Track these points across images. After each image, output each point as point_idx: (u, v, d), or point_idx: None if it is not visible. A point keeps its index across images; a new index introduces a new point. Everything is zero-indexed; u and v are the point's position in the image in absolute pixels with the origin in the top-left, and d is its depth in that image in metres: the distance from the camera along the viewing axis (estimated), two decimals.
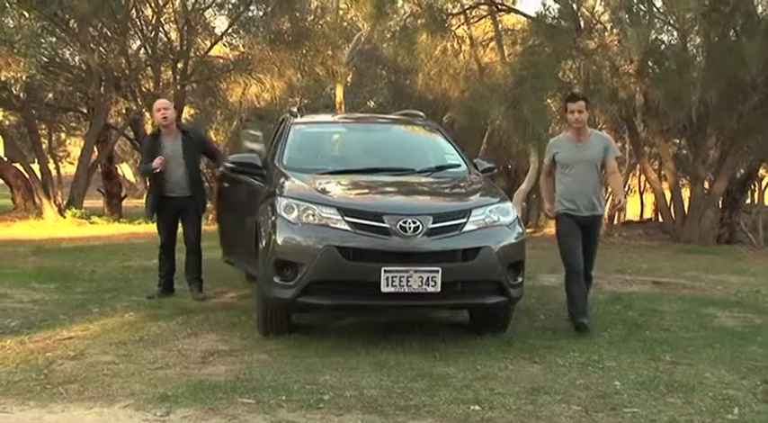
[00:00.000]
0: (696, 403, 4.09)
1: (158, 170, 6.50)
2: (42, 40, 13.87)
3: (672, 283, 8.36)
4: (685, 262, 10.85)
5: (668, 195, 15.76)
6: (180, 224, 6.92)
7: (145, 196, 7.38)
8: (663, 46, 14.35)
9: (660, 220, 17.72)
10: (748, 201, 17.26)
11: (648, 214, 23.74)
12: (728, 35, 13.64)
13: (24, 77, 11.63)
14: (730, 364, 4.89)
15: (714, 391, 4.29)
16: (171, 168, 6.58)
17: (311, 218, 4.99)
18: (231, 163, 6.23)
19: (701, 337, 5.66)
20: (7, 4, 12.03)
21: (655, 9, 13.93)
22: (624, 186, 20.98)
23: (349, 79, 20.93)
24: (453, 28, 16.64)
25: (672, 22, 14.11)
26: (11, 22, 11.73)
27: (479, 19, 17.60)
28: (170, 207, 6.70)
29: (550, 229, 19.75)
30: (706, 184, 15.15)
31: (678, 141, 17.67)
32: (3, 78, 11.86)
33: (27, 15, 12.38)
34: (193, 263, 6.93)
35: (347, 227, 4.91)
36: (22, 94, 13.22)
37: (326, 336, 5.40)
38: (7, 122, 17.65)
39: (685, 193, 15.97)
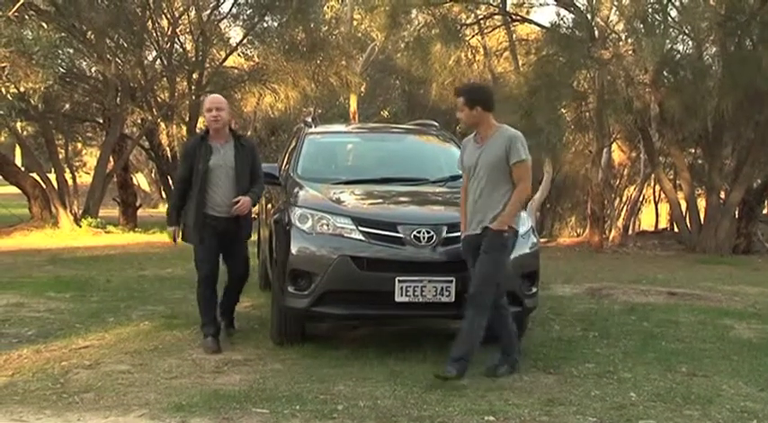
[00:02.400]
0: (713, 416, 4.05)
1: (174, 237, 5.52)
2: (60, 52, 13.99)
3: (688, 293, 8.28)
4: (701, 272, 10.77)
5: (684, 205, 15.68)
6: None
7: (167, 208, 5.82)
8: (678, 55, 14.32)
9: (675, 230, 17.62)
10: (765, 211, 17.12)
11: (663, 224, 23.63)
12: (744, 44, 13.59)
13: (42, 88, 11.71)
14: (748, 376, 4.84)
15: (732, 404, 4.24)
16: (218, 180, 5.31)
17: (325, 227, 5.00)
18: None
19: (717, 348, 5.61)
20: (26, 17, 12.16)
21: (670, 19, 13.90)
22: (639, 196, 20.95)
23: (363, 89, 20.99)
24: (467, 38, 16.70)
25: (687, 31, 14.06)
26: (29, 33, 11.84)
27: (493, 29, 17.65)
28: (211, 229, 5.31)
29: (565, 239, 19.74)
30: (722, 194, 15.06)
31: (694, 151, 17.58)
32: (21, 89, 11.97)
33: (45, 27, 12.50)
34: (230, 303, 5.75)
35: (361, 237, 4.92)
36: (39, 105, 13.35)
37: (340, 345, 5.40)
38: (25, 133, 17.81)
39: (701, 203, 15.88)
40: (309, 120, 7.32)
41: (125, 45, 16.56)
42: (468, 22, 16.70)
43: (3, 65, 11.35)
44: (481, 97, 4.81)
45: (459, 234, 4.95)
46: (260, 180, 5.54)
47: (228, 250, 5.47)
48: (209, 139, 5.39)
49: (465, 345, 4.56)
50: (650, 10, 13.40)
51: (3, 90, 11.64)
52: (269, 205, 6.76)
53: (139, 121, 17.68)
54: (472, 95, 4.82)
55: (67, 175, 16.92)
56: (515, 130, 4.81)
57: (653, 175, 18.52)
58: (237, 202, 5.26)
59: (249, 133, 18.71)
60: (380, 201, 5.47)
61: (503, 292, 4.75)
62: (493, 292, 4.61)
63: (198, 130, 19.91)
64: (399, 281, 4.75)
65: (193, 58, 18.42)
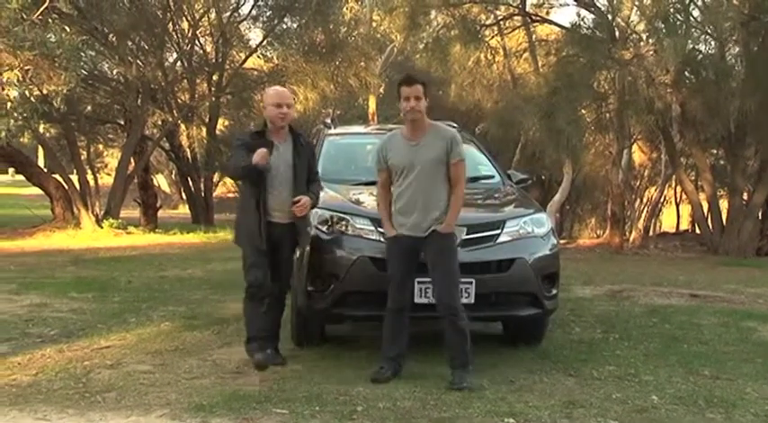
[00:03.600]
0: (737, 419, 4.00)
1: (260, 168, 4.69)
2: (82, 54, 14.14)
3: (710, 295, 8.21)
4: (724, 274, 10.66)
5: (705, 206, 15.54)
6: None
7: (234, 167, 4.97)
8: (700, 56, 14.20)
9: (697, 231, 17.48)
10: None
11: (685, 226, 23.46)
12: None
13: (65, 91, 11.84)
14: None
15: (756, 408, 4.19)
16: (277, 181, 4.84)
17: (345, 229, 5.01)
18: None
19: (741, 351, 5.55)
20: (49, 20, 12.30)
21: (692, 18, 13.79)
22: (660, 197, 20.78)
23: (382, 90, 21.01)
24: (487, 39, 16.67)
25: (709, 31, 13.94)
26: (53, 36, 11.98)
27: (513, 30, 17.61)
28: (267, 234, 4.85)
29: (585, 240, 19.63)
30: (745, 195, 14.90)
31: (716, 152, 17.43)
32: (44, 92, 12.11)
33: (68, 30, 12.64)
34: (275, 314, 5.09)
35: (381, 238, 4.91)
36: (62, 107, 13.50)
37: (359, 347, 5.40)
38: (48, 135, 18.00)
39: (723, 205, 15.73)
40: (328, 121, 7.33)
41: (146, 47, 16.72)
42: (488, 22, 16.67)
43: (27, 68, 11.49)
44: (427, 89, 4.65)
45: (478, 235, 4.94)
46: (318, 181, 5.11)
47: (276, 258, 4.92)
48: (266, 136, 4.87)
49: (463, 352, 4.54)
50: (672, 10, 13.29)
51: (27, 93, 11.78)
52: None
53: (160, 122, 17.81)
54: (426, 84, 4.63)
55: (89, 177, 17.08)
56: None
57: (674, 176, 18.37)
58: (297, 201, 4.82)
59: None
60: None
61: (409, 298, 4.67)
62: (458, 291, 4.56)
63: (218, 131, 20.08)
64: (418, 282, 4.74)
65: (213, 60, 18.56)
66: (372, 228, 4.97)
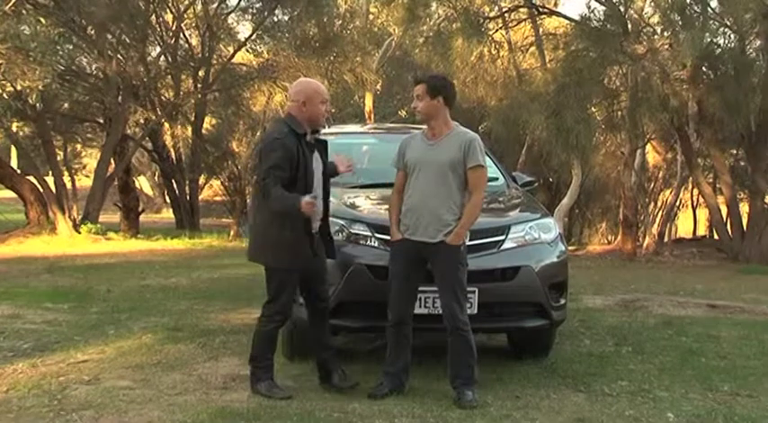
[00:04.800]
0: None
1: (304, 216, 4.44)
2: (59, 48, 14.14)
3: (729, 306, 8.21)
4: (744, 283, 10.68)
5: (724, 210, 15.55)
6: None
7: (274, 197, 4.45)
8: (719, 49, 14.21)
9: (716, 237, 17.49)
10: None
11: (702, 231, 23.47)
12: None
13: (40, 87, 11.82)
14: None
15: None
16: (316, 184, 4.65)
17: (340, 235, 5.00)
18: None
19: (763, 365, 5.56)
20: (23, 11, 12.29)
21: (710, 10, 13.82)
22: (676, 201, 20.80)
23: (379, 87, 21.06)
24: (490, 32, 16.67)
25: (729, 23, 13.97)
26: (27, 29, 11.98)
27: (518, 23, 17.65)
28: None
29: (595, 246, 19.66)
30: (766, 199, 14.92)
31: (735, 152, 17.46)
32: (18, 88, 12.09)
33: (43, 22, 12.63)
34: (327, 331, 4.86)
35: (378, 244, 4.91)
36: (37, 104, 13.48)
37: (355, 360, 5.39)
38: (21, 133, 17.99)
39: (743, 208, 15.74)
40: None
41: (127, 41, 16.71)
42: (492, 15, 16.68)
43: None
44: (444, 88, 4.66)
45: (481, 241, 4.94)
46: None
47: (311, 272, 4.66)
48: (306, 137, 4.61)
49: (467, 368, 4.52)
50: (688, 1, 13.33)
51: None
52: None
53: (142, 121, 17.78)
54: (436, 83, 4.65)
55: (66, 179, 17.09)
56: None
57: (691, 178, 18.38)
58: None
59: (258, 134, 18.79)
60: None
61: (412, 310, 4.65)
62: (465, 304, 4.54)
63: (204, 130, 20.08)
64: (419, 291, 4.74)
65: (199, 55, 18.56)
66: (370, 233, 4.97)
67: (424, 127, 4.86)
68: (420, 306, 4.76)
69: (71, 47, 15.98)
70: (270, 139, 4.61)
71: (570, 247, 15.08)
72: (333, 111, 4.36)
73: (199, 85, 18.37)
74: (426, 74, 4.87)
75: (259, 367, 4.65)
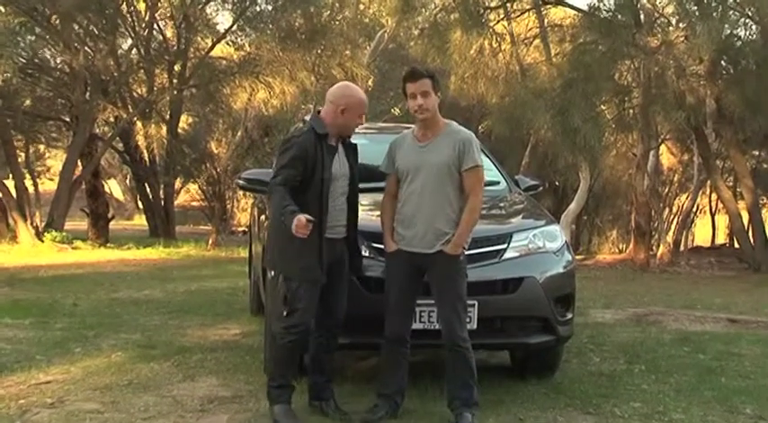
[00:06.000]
0: None
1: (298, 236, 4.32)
2: (20, 39, 14.15)
3: (752, 321, 8.24)
4: (767, 296, 10.71)
5: (745, 217, 15.60)
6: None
7: (276, 208, 4.50)
8: (739, 42, 14.28)
9: (736, 246, 17.53)
10: None
11: (722, 239, 23.54)
12: None
13: None
14: None
15: None
16: (339, 191, 4.65)
17: None
18: (243, 179, 6.22)
19: None
20: None
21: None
22: (693, 206, 20.88)
23: (371, 83, 21.05)
24: (491, 23, 16.72)
25: (750, 13, 14.04)
26: None
27: (522, 13, 17.67)
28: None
29: (605, 256, 19.70)
30: None
31: (757, 153, 17.55)
32: None
33: (3, 10, 12.63)
34: (330, 354, 4.82)
35: (369, 253, 4.90)
36: None
37: (344, 380, 5.38)
38: None
39: (766, 215, 15.80)
40: (308, 118, 7.32)
41: (95, 31, 16.72)
42: (493, 5, 16.71)
43: None
44: (438, 83, 4.63)
45: (481, 250, 4.94)
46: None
47: (332, 285, 4.62)
48: (328, 139, 4.62)
49: (466, 389, 4.49)
50: None
51: None
52: (262, 217, 6.75)
53: (112, 119, 17.80)
54: (437, 77, 4.60)
55: (28, 183, 17.04)
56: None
57: (708, 182, 18.46)
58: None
59: (239, 134, 18.80)
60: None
61: (410, 326, 4.63)
62: (465, 319, 4.52)
63: (180, 129, 20.05)
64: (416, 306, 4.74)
65: (175, 47, 18.55)
66: (361, 242, 4.96)
67: (413, 126, 4.84)
68: (416, 320, 4.75)
69: (33, 38, 15.97)
70: (287, 137, 4.70)
71: (578, 257, 15.11)
72: (321, 109, 4.30)
73: (174, 81, 18.36)
74: (421, 68, 4.79)
75: (274, 387, 4.58)
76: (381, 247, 4.81)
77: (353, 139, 4.83)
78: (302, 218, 4.24)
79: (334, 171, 4.57)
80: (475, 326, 4.79)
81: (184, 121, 21.36)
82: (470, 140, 4.56)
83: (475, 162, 4.51)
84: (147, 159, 19.17)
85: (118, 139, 18.94)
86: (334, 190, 4.59)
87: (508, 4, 16.87)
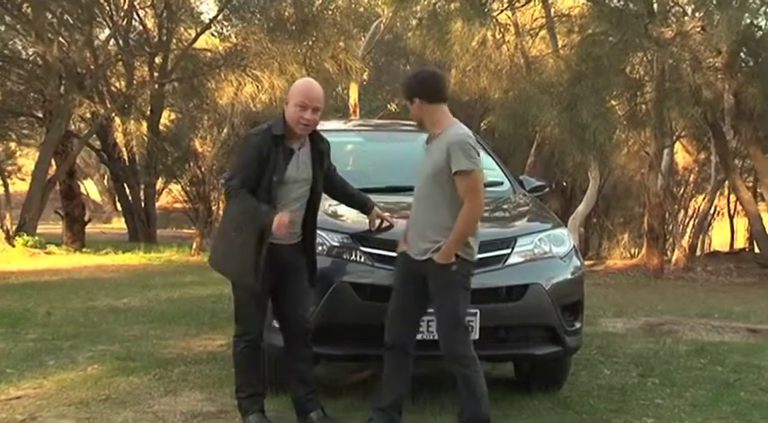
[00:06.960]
0: None
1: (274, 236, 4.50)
2: None
3: None
4: None
5: (766, 219, 15.62)
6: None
7: (242, 208, 4.58)
8: (759, 32, 14.31)
9: (756, 250, 17.56)
10: None
11: (741, 243, 23.58)
12: None
13: None
14: None
15: None
16: (293, 196, 4.68)
17: (320, 248, 5.00)
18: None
19: None
20: None
21: None
22: (710, 208, 20.90)
23: (365, 77, 21.09)
24: (494, 13, 16.74)
25: None
26: None
27: (527, 2, 17.69)
28: (269, 262, 4.56)
29: (616, 261, 19.73)
30: None
31: None
32: None
33: None
34: (307, 363, 4.84)
35: (364, 259, 4.91)
36: None
37: (338, 394, 5.39)
38: None
39: None
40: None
41: (70, 21, 16.68)
42: None
43: None
44: (416, 87, 4.64)
45: (483, 255, 4.94)
46: (346, 183, 5.13)
47: (287, 287, 4.71)
48: (287, 140, 4.66)
49: (471, 404, 4.45)
50: None
51: None
52: None
53: (89, 115, 17.76)
54: (409, 85, 4.68)
55: None
56: (467, 129, 4.63)
57: (727, 182, 18.50)
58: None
59: (225, 130, 18.80)
60: (387, 215, 5.47)
61: (414, 335, 4.63)
62: (464, 334, 4.50)
63: (162, 126, 20.03)
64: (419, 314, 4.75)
65: (156, 38, 18.55)
66: (354, 246, 4.97)
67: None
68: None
69: (3, 28, 15.96)
70: (246, 134, 4.74)
71: (587, 262, 15.13)
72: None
73: (155, 74, 18.37)
74: (404, 79, 4.83)
75: (243, 398, 4.68)
76: (375, 252, 4.89)
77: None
78: (285, 217, 4.39)
79: (289, 175, 4.60)
80: (477, 336, 4.80)
81: (166, 118, 21.36)
82: (457, 143, 4.44)
83: (460, 167, 4.39)
84: (126, 158, 19.17)
85: (95, 136, 18.94)
86: (286, 194, 4.62)
87: None
